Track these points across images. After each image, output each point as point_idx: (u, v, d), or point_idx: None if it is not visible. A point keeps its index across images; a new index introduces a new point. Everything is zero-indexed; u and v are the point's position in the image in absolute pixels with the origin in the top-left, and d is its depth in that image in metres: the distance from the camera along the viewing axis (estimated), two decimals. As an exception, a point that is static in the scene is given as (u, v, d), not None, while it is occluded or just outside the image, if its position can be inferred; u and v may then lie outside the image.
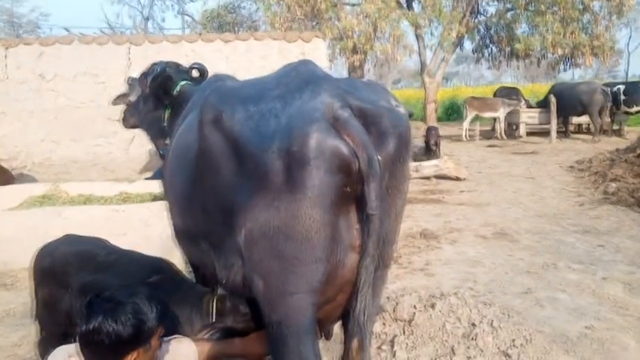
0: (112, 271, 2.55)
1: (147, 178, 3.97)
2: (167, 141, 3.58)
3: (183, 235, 2.62)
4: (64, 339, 2.06)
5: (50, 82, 9.37)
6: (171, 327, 2.15)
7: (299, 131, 1.83)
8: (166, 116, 3.50)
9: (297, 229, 1.86)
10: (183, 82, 3.50)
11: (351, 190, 1.88)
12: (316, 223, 1.85)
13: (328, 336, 2.37)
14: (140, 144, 8.42)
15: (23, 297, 3.03)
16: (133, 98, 4.04)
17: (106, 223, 5.32)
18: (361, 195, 1.86)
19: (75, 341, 1.93)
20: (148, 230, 5.33)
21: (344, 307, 2.10)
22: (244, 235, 1.95)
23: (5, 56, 9.22)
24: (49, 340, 2.33)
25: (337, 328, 2.50)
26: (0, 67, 9.19)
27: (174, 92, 3.44)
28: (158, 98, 3.55)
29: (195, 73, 3.65)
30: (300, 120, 1.86)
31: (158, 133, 3.76)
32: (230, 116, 1.98)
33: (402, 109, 2.06)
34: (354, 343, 2.00)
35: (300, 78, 2.02)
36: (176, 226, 2.66)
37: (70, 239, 2.88)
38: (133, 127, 4.25)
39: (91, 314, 1.84)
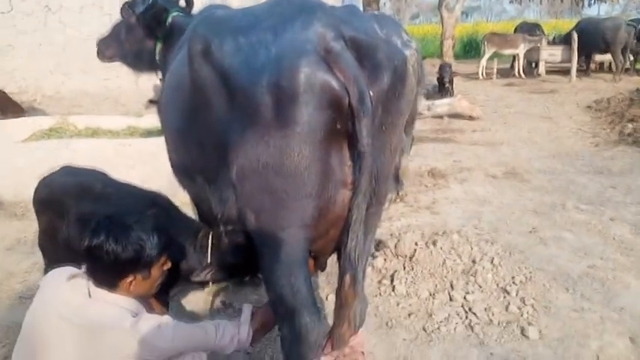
0: (108, 202, 2.58)
1: (150, 100, 3.85)
2: (159, 74, 3.49)
3: (180, 171, 2.61)
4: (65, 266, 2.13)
5: (56, 14, 9.21)
6: (171, 260, 2.19)
7: (288, 65, 1.76)
8: (158, 49, 3.38)
9: (287, 165, 1.84)
10: (175, 13, 3.36)
11: (342, 127, 1.84)
12: (306, 159, 1.83)
13: (322, 268, 2.40)
14: (148, 77, 8.35)
15: (34, 226, 3.16)
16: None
17: (114, 156, 5.37)
18: (353, 131, 1.81)
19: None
20: (156, 163, 5.34)
21: (337, 242, 2.11)
22: (236, 170, 1.93)
23: (9, -14, 9.04)
24: (51, 268, 2.41)
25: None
26: (5, -2, 9.02)
27: (167, 23, 3.31)
28: (150, 30, 3.41)
29: (182, 3, 3.50)
30: (290, 52, 1.79)
31: (146, 66, 3.61)
32: (219, 48, 1.91)
33: (413, 44, 1.97)
34: (347, 278, 2.02)
35: (293, 7, 1.93)
36: (172, 162, 2.65)
37: (68, 171, 2.91)
38: (111, 59, 3.93)
39: (97, 231, 1.96)
